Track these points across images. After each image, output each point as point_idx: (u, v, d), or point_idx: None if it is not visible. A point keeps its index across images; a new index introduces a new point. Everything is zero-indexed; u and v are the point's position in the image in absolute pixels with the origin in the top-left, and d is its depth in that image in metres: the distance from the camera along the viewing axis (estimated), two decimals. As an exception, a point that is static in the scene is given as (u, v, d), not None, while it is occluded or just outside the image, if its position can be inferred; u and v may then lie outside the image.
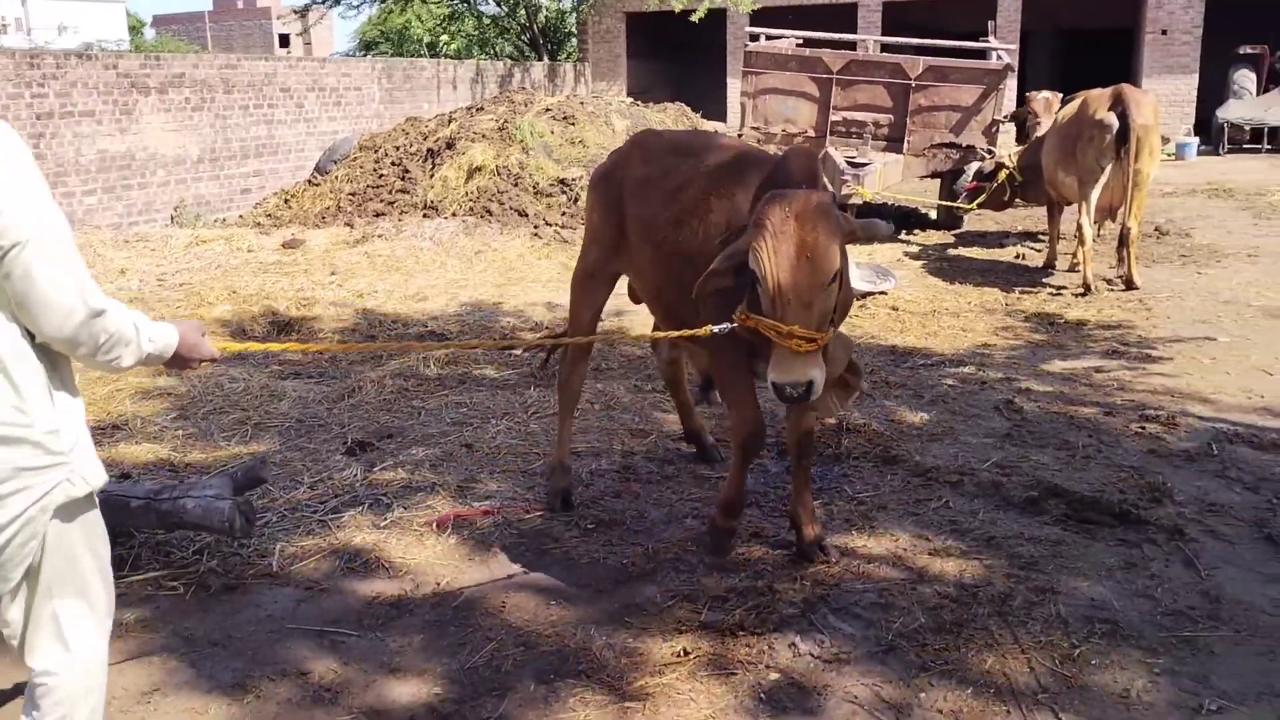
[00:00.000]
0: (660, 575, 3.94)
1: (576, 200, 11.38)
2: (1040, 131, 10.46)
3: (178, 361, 2.48)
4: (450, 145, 12.25)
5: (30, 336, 2.18)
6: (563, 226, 11.10)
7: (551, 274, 9.89)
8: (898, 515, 4.43)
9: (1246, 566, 3.93)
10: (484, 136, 12.16)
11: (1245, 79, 21.19)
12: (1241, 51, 21.42)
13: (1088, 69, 22.22)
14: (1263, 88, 21.23)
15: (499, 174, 11.64)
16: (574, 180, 11.46)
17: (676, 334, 3.90)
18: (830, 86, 10.50)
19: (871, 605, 3.70)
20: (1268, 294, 8.47)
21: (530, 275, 9.80)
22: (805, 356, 3.28)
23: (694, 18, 20.90)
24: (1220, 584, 3.79)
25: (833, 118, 10.55)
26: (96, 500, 2.39)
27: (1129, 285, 8.73)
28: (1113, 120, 8.28)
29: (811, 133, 10.65)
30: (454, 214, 11.38)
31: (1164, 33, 21.56)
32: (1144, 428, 5.44)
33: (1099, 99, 8.61)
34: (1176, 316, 7.84)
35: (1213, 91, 21.67)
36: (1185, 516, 4.36)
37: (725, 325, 3.56)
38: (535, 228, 11.02)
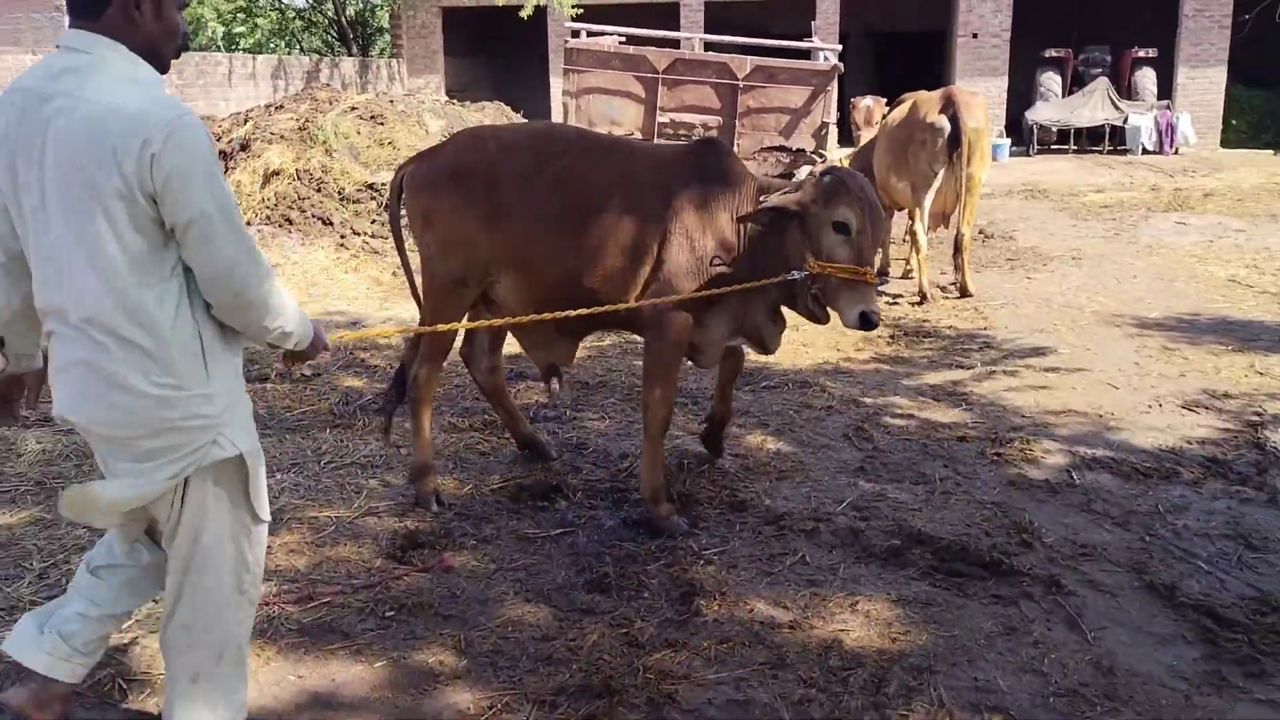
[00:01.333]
0: (475, 676, 3.25)
1: (386, 206, 10.49)
2: (865, 137, 10.23)
3: (309, 350, 2.65)
4: (245, 147, 11.15)
5: (191, 309, 2.40)
6: (372, 235, 10.21)
7: (360, 289, 9.01)
8: (751, 576, 3.87)
9: (1134, 626, 3.53)
10: (283, 137, 11.11)
11: (1051, 81, 21.93)
12: (1047, 55, 22.18)
13: (902, 72, 22.60)
14: (1067, 90, 22.04)
15: (300, 178, 10.63)
16: (383, 185, 10.57)
17: (749, 286, 4.15)
18: (656, 86, 10.00)
19: (728, 703, 3.11)
20: (1099, 299, 8.39)
21: (336, 291, 8.89)
22: (872, 289, 3.99)
23: (523, 14, 20.11)
24: (1111, 650, 3.37)
25: (660, 119, 10.05)
26: (247, 480, 2.58)
27: (963, 293, 8.53)
28: (944, 124, 8.03)
29: (638, 135, 10.12)
30: (248, 222, 10.31)
31: (975, 36, 22.08)
32: (999, 453, 5.07)
33: (929, 102, 8.36)
34: (1014, 325, 7.64)
35: (1020, 94, 22.34)
36: (1059, 562, 3.95)
37: (797, 272, 4.05)
38: (342, 237, 10.09)
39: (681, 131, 10.15)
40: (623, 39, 10.90)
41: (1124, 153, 20.52)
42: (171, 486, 2.47)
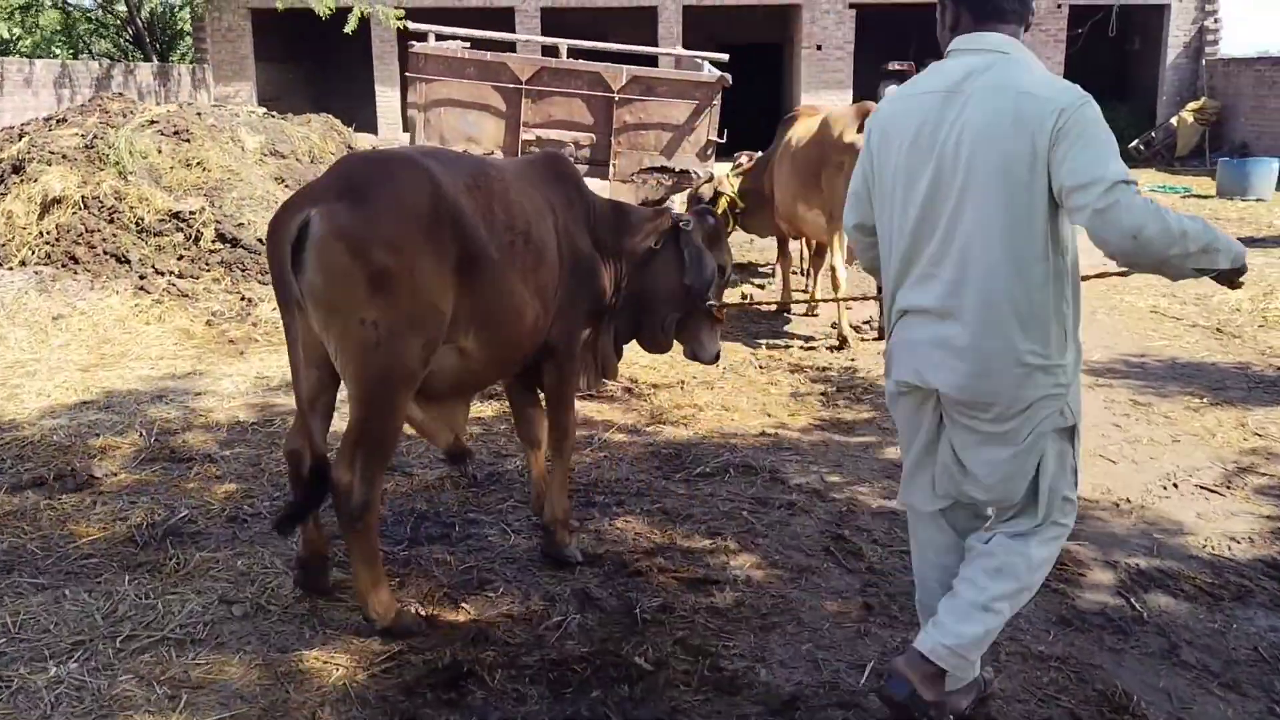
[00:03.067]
0: None
1: (198, 239, 8.78)
2: (747, 162, 9.16)
3: (1238, 264, 2.62)
4: (18, 169, 9.19)
5: (1062, 283, 2.63)
6: (180, 275, 8.49)
7: (168, 345, 7.33)
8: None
9: None
10: (65, 157, 9.21)
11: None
12: (890, 67, 21.87)
13: (744, 85, 21.90)
14: (910, 103, 21.75)
15: (87, 207, 8.78)
16: (193, 213, 8.85)
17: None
18: (519, 99, 8.68)
19: None
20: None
21: (136, 349, 7.18)
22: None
23: (347, 28, 18.34)
24: None
25: (524, 136, 8.73)
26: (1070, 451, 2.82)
27: (882, 334, 7.52)
28: (854, 144, 7.01)
29: (499, 154, 8.76)
30: (23, 262, 8.42)
31: (819, 48, 21.61)
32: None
33: (842, 120, 7.34)
34: (955, 375, 6.65)
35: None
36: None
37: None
38: (141, 278, 8.33)
39: (547, 149, 8.84)
40: (467, 44, 9.51)
41: (972, 167, 20.32)
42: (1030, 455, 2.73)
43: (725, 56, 9.43)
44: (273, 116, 11.06)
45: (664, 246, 4.19)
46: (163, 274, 8.47)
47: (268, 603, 3.74)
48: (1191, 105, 20.89)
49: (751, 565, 4.05)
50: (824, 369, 6.80)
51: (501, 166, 3.87)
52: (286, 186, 9.88)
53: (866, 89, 21.77)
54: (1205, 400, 6.05)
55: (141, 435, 5.52)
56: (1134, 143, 21.40)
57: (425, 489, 4.83)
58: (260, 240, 9.02)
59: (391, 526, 4.40)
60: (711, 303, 4.32)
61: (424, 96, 8.70)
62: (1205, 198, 15.69)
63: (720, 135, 8.94)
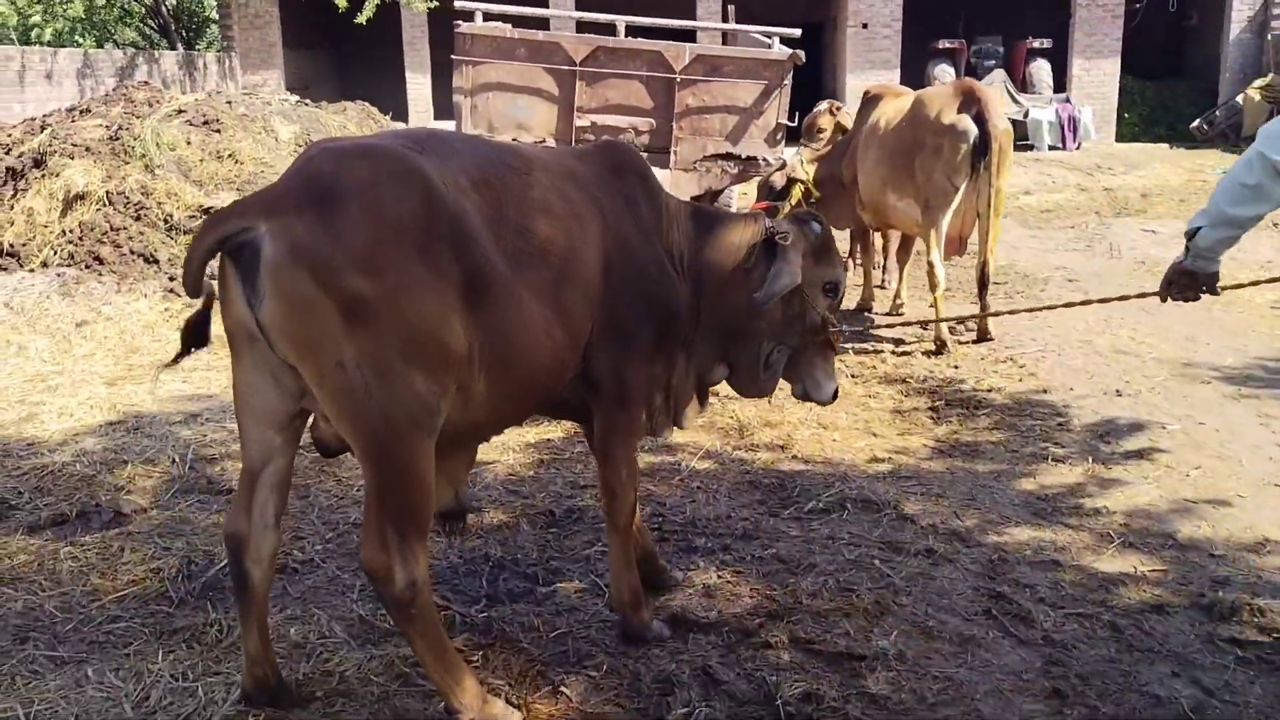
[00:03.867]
0: None
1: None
2: (822, 139, 8.46)
3: None
4: (39, 163, 8.60)
5: None
6: (213, 276, 7.87)
7: (201, 355, 6.66)
8: None
9: None
10: (89, 150, 8.62)
11: (945, 74, 20.76)
12: (940, 46, 21.08)
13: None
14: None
15: (112, 203, 8.19)
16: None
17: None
18: (573, 81, 8.00)
19: None
20: (1147, 340, 6.82)
21: (168, 358, 6.56)
22: None
23: (360, 18, 17.71)
24: None
25: (579, 122, 8.05)
26: None
27: (982, 336, 6.84)
28: (969, 126, 6.33)
29: (551, 141, 8.10)
30: (44, 263, 7.84)
31: (865, 26, 20.77)
32: (1235, 638, 3.31)
33: (941, 99, 6.64)
34: (1075, 384, 5.95)
35: (913, 88, 21.12)
36: None
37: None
38: (171, 280, 7.74)
39: (605, 137, 8.17)
40: (509, 22, 8.82)
41: (1028, 148, 19.45)
42: None
43: (797, 32, 8.71)
44: (306, 105, 10.44)
45: (758, 262, 3.42)
46: (193, 275, 7.86)
47: (328, 686, 3.11)
48: (1259, 82, 19.87)
49: (900, 634, 3.38)
50: (924, 379, 6.10)
51: (531, 157, 3.14)
52: (323, 179, 9.26)
53: (914, 69, 20.96)
54: (1372, 414, 5.33)
55: (175, 462, 4.91)
56: (1195, 123, 20.45)
57: (498, 529, 4.20)
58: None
59: (465, 579, 3.77)
60: (834, 326, 3.57)
61: (470, 80, 8.03)
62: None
63: (791, 118, 8.24)
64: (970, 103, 6.44)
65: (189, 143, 8.75)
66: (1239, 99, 20.14)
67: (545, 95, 8.10)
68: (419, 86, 21.19)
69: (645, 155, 8.22)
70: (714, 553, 3.98)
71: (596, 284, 3.09)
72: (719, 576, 3.78)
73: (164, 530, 4.23)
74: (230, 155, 8.68)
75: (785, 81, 8.13)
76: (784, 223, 3.52)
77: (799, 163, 8.08)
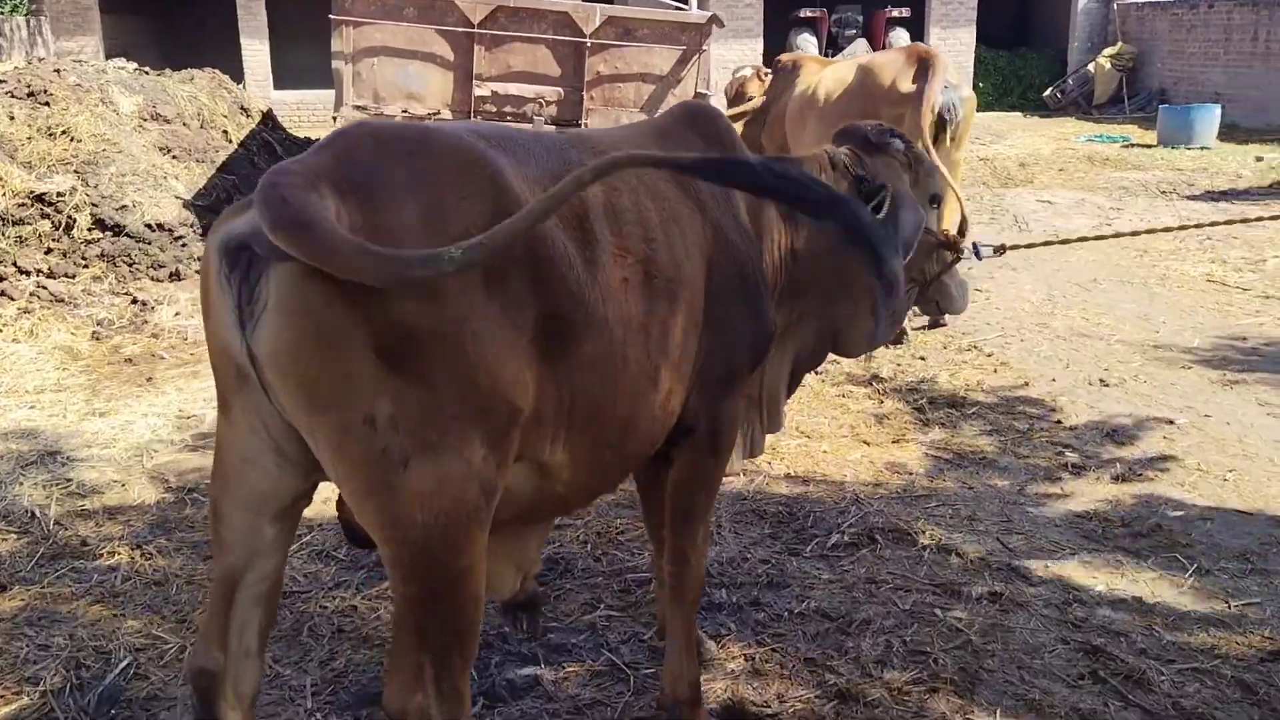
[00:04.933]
0: None
1: (70, 227, 6.99)
2: (748, 106, 7.80)
3: None
4: None
5: None
6: (51, 274, 6.72)
7: (48, 372, 5.61)
8: None
9: None
10: (-117, 127, 7.26)
11: (807, 44, 20.52)
12: (801, 15, 20.82)
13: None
14: (823, 52, 20.74)
15: (-81, 191, 6.90)
16: (62, 195, 7.04)
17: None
18: (471, 45, 7.13)
19: None
20: (1103, 321, 6.48)
21: (5, 381, 5.45)
22: None
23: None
24: None
25: (478, 91, 7.19)
26: None
27: (935, 321, 6.37)
28: (934, 94, 5.79)
29: (447, 113, 7.22)
30: None
31: (727, -6, 20.28)
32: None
33: (894, 67, 6.10)
34: (1051, 372, 5.54)
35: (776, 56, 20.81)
36: None
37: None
38: (1, 280, 6.55)
39: (507, 108, 7.34)
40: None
41: (893, 118, 19.41)
42: None
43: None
44: (147, 73, 9.17)
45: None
46: (27, 273, 6.68)
47: None
48: (1108, 51, 20.38)
49: (1005, 713, 2.79)
50: (894, 375, 5.55)
51: (605, 145, 2.39)
52: (175, 157, 8.11)
53: (777, 38, 20.66)
54: (1371, 398, 5.06)
55: (33, 520, 3.94)
56: (1048, 91, 20.85)
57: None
58: (151, 226, 7.28)
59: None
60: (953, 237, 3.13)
61: (351, 44, 7.07)
62: (1148, 147, 15.04)
63: (709, 87, 7.60)
64: (925, 70, 5.92)
65: (12, 118, 7.46)
66: (1090, 67, 20.60)
67: (439, 61, 7.22)
68: (256, 53, 19.61)
69: (552, 128, 7.47)
70: (742, 610, 3.32)
71: (703, 305, 2.40)
72: (759, 644, 3.13)
73: (33, 619, 3.30)
74: (65, 132, 7.44)
75: (704, 47, 7.47)
76: (855, 156, 2.89)
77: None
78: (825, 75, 6.64)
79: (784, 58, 7.60)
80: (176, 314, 6.60)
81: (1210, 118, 15.02)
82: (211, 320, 1.87)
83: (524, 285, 1.89)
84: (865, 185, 2.77)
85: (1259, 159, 13.14)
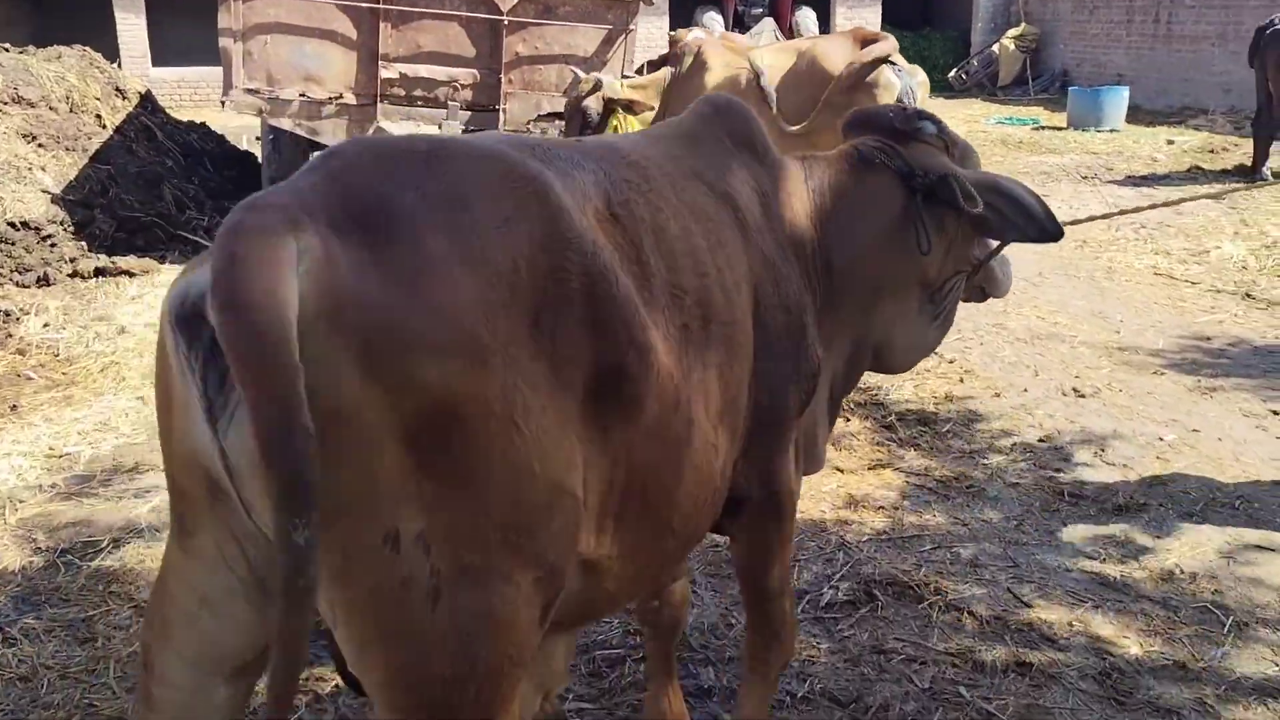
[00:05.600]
0: None
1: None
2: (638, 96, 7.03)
3: None
4: None
5: None
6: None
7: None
8: None
9: None
10: None
11: (713, 23, 20.14)
12: (707, -7, 20.41)
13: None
14: (729, 29, 20.36)
15: None
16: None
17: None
18: (376, 23, 6.44)
19: None
20: (1058, 320, 6.17)
21: None
22: None
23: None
24: None
25: (384, 73, 6.51)
26: None
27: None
28: (892, 79, 5.43)
29: (350, 96, 6.53)
30: None
31: (632, -31, 19.70)
32: None
33: (842, 51, 5.65)
34: (1020, 380, 5.18)
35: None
36: None
37: None
38: None
39: (418, 92, 6.68)
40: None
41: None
42: None
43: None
44: (7, 50, 8.23)
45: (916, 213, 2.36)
46: None
47: None
48: (1012, 32, 20.42)
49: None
50: (858, 388, 5.13)
51: (636, 155, 1.92)
52: (41, 146, 7.25)
53: (682, 15, 20.23)
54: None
55: None
56: (953, 72, 20.81)
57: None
58: (14, 224, 6.45)
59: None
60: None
61: (241, 19, 6.32)
62: (1058, 129, 15.00)
63: (638, 70, 7.04)
64: (869, 49, 5.51)
65: None
66: (995, 48, 20.61)
67: (340, 40, 6.53)
68: (132, 28, 18.36)
69: (467, 114, 6.85)
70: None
71: (752, 346, 2.00)
72: (765, 743, 2.64)
73: None
74: (-93, 118, 6.55)
75: (631, 26, 6.93)
76: (890, 149, 2.42)
77: (619, 85, 6.33)
78: (755, 59, 6.13)
79: (682, 35, 6.99)
80: (45, 325, 5.83)
81: (1119, 100, 15.03)
82: (169, 413, 1.40)
83: (579, 333, 1.46)
84: (921, 180, 2.33)
85: (1170, 142, 13.14)
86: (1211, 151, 12.03)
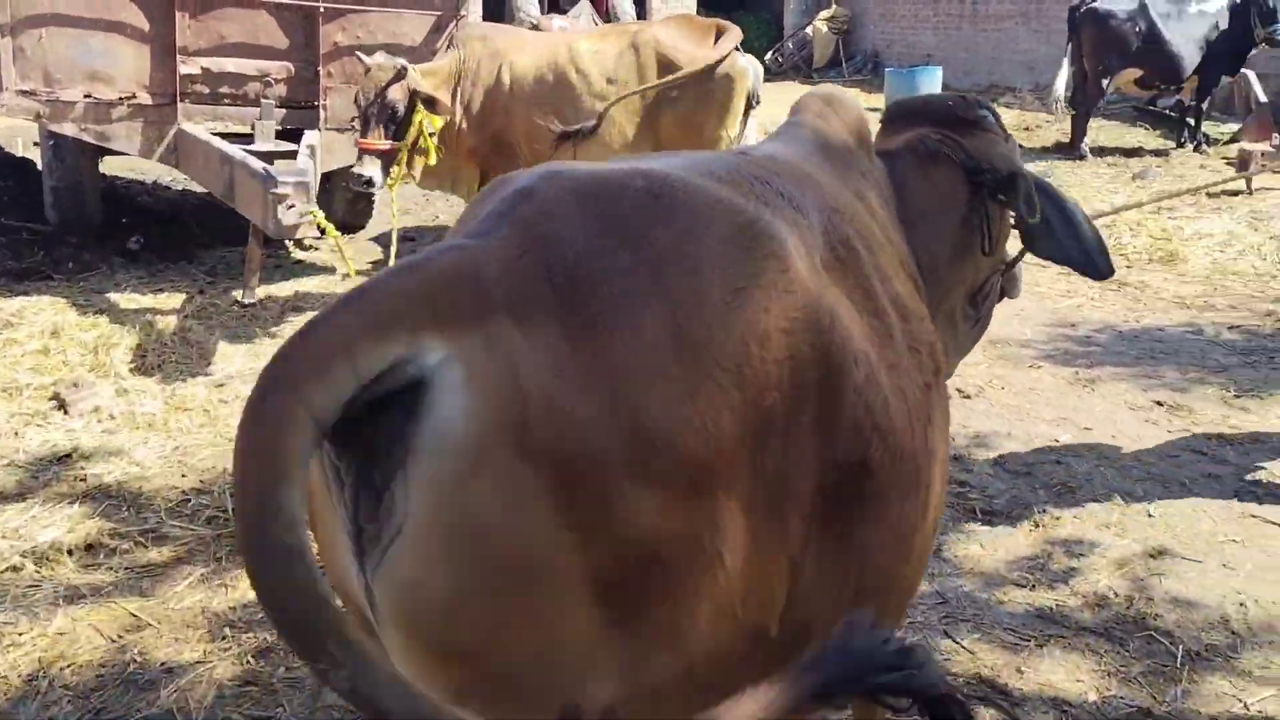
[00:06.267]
0: None
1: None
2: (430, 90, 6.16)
3: None
4: None
5: None
6: None
7: None
8: None
9: None
10: None
11: (529, 4, 19.49)
12: (545, -23, 19.81)
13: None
14: (544, 12, 19.84)
15: None
16: None
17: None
18: (171, 10, 5.66)
19: None
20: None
21: None
22: None
23: None
24: None
25: (184, 69, 5.72)
26: None
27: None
28: (746, 65, 5.18)
29: (145, 96, 5.72)
30: None
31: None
32: None
33: (684, 36, 5.40)
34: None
35: (494, 19, 19.69)
36: None
37: None
38: None
39: (224, 89, 5.94)
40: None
41: (624, 83, 18.82)
42: None
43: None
44: None
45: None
46: None
47: None
48: (824, 14, 20.69)
49: None
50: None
51: (804, 168, 1.66)
52: None
53: (495, 2, 19.57)
54: (1227, 391, 4.79)
55: None
56: (769, 55, 20.91)
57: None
58: None
59: None
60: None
61: (9, 11, 5.44)
62: (875, 110, 15.17)
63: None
64: (723, 39, 5.23)
65: None
66: (808, 30, 20.83)
67: (130, 33, 5.71)
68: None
69: (283, 113, 6.16)
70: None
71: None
72: None
73: None
74: None
75: (463, 12, 6.38)
76: (953, 142, 2.18)
77: (417, 73, 5.54)
78: (575, 50, 5.67)
79: (483, 29, 6.39)
80: None
81: (933, 80, 15.31)
82: (320, 527, 1.15)
83: (814, 433, 1.22)
84: (990, 177, 2.11)
85: (989, 121, 13.45)
86: (1027, 129, 12.34)
